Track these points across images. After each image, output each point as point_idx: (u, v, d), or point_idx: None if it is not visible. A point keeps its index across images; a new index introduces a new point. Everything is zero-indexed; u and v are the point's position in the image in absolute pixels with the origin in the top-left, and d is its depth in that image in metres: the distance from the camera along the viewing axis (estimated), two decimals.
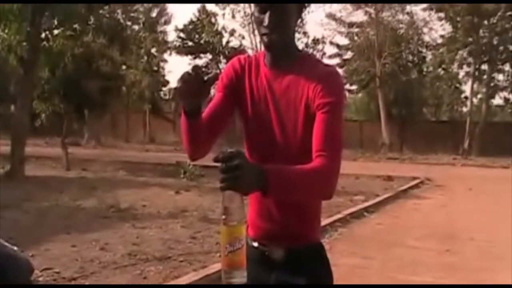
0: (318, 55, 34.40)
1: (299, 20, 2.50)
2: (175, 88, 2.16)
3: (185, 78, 2.13)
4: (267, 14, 2.27)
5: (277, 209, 2.42)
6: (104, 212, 10.53)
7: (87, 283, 6.18)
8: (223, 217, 1.94)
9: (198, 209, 11.21)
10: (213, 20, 42.88)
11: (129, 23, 40.61)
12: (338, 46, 43.92)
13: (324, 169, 2.20)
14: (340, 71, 42.20)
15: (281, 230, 2.44)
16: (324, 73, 2.35)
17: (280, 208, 2.42)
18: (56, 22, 17.66)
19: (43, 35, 17.03)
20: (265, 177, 2.00)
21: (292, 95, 2.36)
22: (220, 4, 40.64)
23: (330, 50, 44.35)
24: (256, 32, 41.30)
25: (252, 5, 2.43)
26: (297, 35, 32.33)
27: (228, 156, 1.92)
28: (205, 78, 2.16)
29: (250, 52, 41.03)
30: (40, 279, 6.25)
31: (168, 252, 7.68)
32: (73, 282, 6.19)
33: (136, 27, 42.82)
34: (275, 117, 2.40)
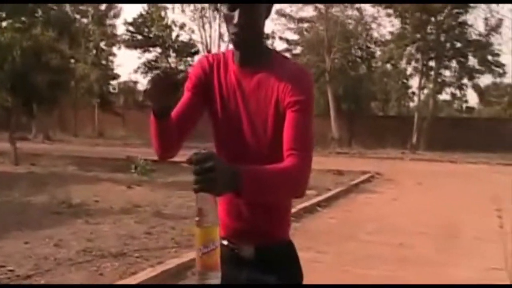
0: None
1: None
2: (145, 90, 2.13)
3: (155, 80, 2.11)
4: (237, 12, 2.25)
5: (247, 207, 2.42)
6: (56, 208, 10.37)
7: (42, 281, 6.09)
8: (197, 218, 1.92)
9: (151, 205, 11.13)
10: (162, 13, 42.65)
11: (77, 16, 40.06)
12: (287, 41, 44.02)
13: (296, 168, 2.20)
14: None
15: (251, 228, 2.44)
16: (293, 72, 2.35)
17: (249, 206, 2.41)
18: (4, 15, 17.34)
19: None
20: (238, 178, 1.99)
21: (262, 94, 2.36)
22: None
23: (280, 45, 44.32)
24: (206, 26, 41.49)
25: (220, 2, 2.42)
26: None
27: (201, 157, 1.90)
28: (175, 79, 2.14)
29: (199, 46, 40.97)
30: None
31: (124, 248, 7.62)
32: (28, 280, 6.10)
33: (85, 20, 42.26)
34: (244, 116, 2.40)
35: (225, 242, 2.45)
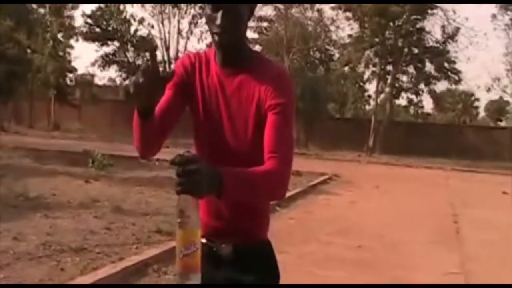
0: None
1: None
2: (134, 83, 2.04)
3: (145, 72, 2.04)
4: (219, 13, 2.25)
5: (226, 206, 2.43)
6: (13, 201, 10.16)
7: (2, 275, 5.96)
8: (178, 220, 1.93)
9: (110, 200, 10.99)
10: (121, 7, 42.30)
11: (35, 6, 39.44)
12: (246, 39, 44.00)
13: (276, 171, 2.21)
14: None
15: (229, 227, 2.46)
16: (275, 74, 2.36)
17: (228, 206, 2.42)
18: None
19: None
20: (221, 181, 2.00)
21: (243, 95, 2.37)
22: None
23: None
24: (165, 22, 41.27)
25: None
26: (206, 27, 32.37)
27: (185, 159, 1.91)
28: (163, 74, 2.10)
29: (158, 41, 40.73)
30: None
31: (84, 243, 7.51)
32: None
33: (42, 10, 41.60)
34: (226, 116, 2.40)
35: (203, 240, 2.43)
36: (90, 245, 7.46)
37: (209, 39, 34.36)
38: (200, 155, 2.39)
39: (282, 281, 6.48)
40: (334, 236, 9.97)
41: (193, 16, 41.34)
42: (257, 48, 44.14)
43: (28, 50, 31.95)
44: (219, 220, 2.46)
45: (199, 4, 34.52)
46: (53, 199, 10.88)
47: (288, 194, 10.04)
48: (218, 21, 2.25)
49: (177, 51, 41.95)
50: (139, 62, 42.81)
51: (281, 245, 8.81)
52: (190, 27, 42.12)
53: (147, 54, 2.13)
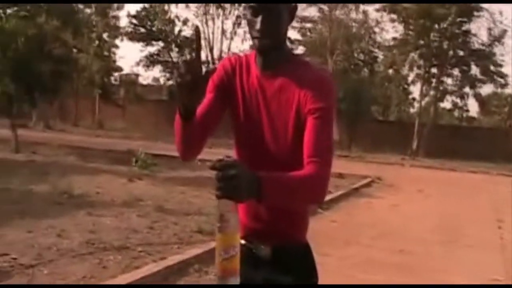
0: None
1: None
2: (177, 80, 2.09)
3: (189, 65, 2.08)
4: (259, 18, 2.27)
5: (265, 209, 2.43)
6: (58, 198, 10.31)
7: (46, 271, 6.04)
8: (218, 224, 1.96)
9: (153, 199, 11.06)
10: (166, 8, 42.57)
11: (81, 6, 39.98)
12: (290, 39, 43.90)
13: (316, 176, 2.22)
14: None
15: (269, 229, 2.47)
16: (316, 78, 2.35)
17: (267, 208, 2.42)
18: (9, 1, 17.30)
19: None
20: (260, 186, 2.01)
21: (283, 98, 2.37)
22: None
23: None
24: (209, 22, 41.44)
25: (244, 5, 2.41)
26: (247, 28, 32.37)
27: (225, 164, 1.93)
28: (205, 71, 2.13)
29: (202, 42, 40.84)
30: None
31: (126, 242, 7.58)
32: (31, 269, 6.04)
33: (88, 11, 42.14)
34: (265, 119, 2.41)
35: (242, 242, 2.44)
36: (133, 243, 7.52)
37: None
38: (240, 158, 2.44)
39: (322, 283, 6.43)
40: (376, 240, 9.90)
41: (237, 17, 41.38)
42: (301, 49, 44.15)
43: (74, 50, 32.32)
44: (258, 222, 2.47)
45: (243, 5, 34.52)
46: (96, 197, 11.00)
47: (330, 196, 10.11)
48: (258, 26, 2.28)
49: (221, 51, 42.10)
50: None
51: (322, 247, 8.81)
52: (234, 27, 42.22)
53: (193, 38, 2.14)
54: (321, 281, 6.54)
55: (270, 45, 2.32)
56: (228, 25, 44.85)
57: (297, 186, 2.17)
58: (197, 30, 2.18)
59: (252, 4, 2.30)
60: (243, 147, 2.50)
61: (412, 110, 49.45)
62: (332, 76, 2.49)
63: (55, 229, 7.84)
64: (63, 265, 6.32)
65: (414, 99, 45.93)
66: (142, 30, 43.70)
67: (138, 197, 11.10)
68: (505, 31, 37.07)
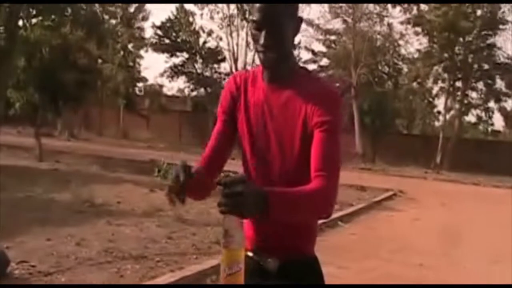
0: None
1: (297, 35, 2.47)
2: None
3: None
4: (263, 33, 2.26)
5: (272, 222, 2.33)
6: (79, 207, 10.42)
7: (63, 279, 6.10)
8: (223, 240, 1.97)
9: (173, 209, 11.07)
10: (191, 19, 42.77)
11: (106, 17, 40.33)
12: (313, 52, 43.92)
13: (323, 190, 2.21)
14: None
15: (276, 243, 2.45)
16: (323, 91, 2.35)
17: (274, 222, 2.32)
18: (34, 12, 17.50)
19: (20, 23, 16.84)
20: (267, 203, 1.99)
21: (290, 111, 2.36)
22: (199, 4, 40.60)
23: (306, 55, 44.36)
24: (233, 34, 41.58)
25: (247, 17, 2.41)
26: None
27: (231, 181, 1.93)
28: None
29: (226, 54, 41.01)
30: (16, 272, 6.17)
31: (144, 251, 7.63)
32: (49, 277, 6.11)
33: (113, 21, 42.50)
34: (272, 132, 2.40)
35: (250, 254, 2.46)
36: (151, 253, 7.57)
37: None
38: (247, 172, 2.44)
39: None
40: (396, 253, 9.84)
41: None
42: (325, 61, 44.16)
43: (99, 60, 32.64)
44: (265, 235, 2.46)
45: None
46: (117, 207, 11.09)
47: (351, 209, 10.09)
48: (262, 41, 2.27)
49: (245, 63, 42.18)
50: (207, 73, 43.16)
51: (341, 260, 8.81)
52: None
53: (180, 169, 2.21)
54: None
55: (275, 59, 2.31)
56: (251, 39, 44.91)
57: (303, 202, 2.16)
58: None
59: (255, 18, 2.29)
60: (250, 161, 2.49)
61: (437, 124, 49.10)
62: (339, 90, 2.48)
63: (75, 238, 7.92)
64: (80, 273, 6.38)
65: (439, 112, 45.48)
66: (167, 41, 43.90)
67: (159, 207, 11.12)
68: None
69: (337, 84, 36.65)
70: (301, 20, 2.39)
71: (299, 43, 39.15)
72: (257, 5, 2.28)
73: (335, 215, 12.59)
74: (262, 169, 2.42)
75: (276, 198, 2.03)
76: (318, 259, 2.57)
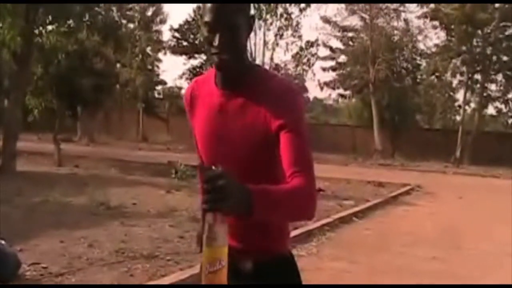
0: (311, 58, 34.42)
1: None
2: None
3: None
4: (217, 35, 2.18)
5: (242, 226, 2.29)
6: (94, 209, 10.55)
7: (74, 279, 6.21)
8: (205, 237, 1.90)
9: (188, 209, 11.20)
10: None
11: (124, 21, 40.60)
12: (331, 49, 43.82)
13: (304, 188, 2.16)
14: (333, 74, 41.79)
15: (248, 246, 2.42)
16: (279, 91, 2.27)
17: (245, 225, 2.27)
18: (50, 18, 17.67)
19: (37, 30, 17.03)
20: (250, 199, 1.95)
21: (248, 117, 2.29)
22: None
23: (323, 52, 44.21)
24: (251, 34, 41.63)
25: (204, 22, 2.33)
26: (291, 38, 32.42)
27: (213, 175, 1.86)
28: None
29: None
30: (28, 273, 6.29)
31: (156, 251, 7.72)
32: (60, 278, 6.22)
33: (131, 25, 42.80)
34: (231, 140, 2.33)
35: None
36: (162, 252, 7.66)
37: (294, 50, 34.39)
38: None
39: None
40: (409, 247, 9.84)
41: (279, 28, 41.51)
42: (342, 58, 44.05)
43: (118, 65, 32.90)
44: (237, 239, 2.37)
45: (285, 16, 34.50)
46: (132, 208, 11.20)
47: (367, 205, 10.12)
48: (216, 42, 2.18)
49: (263, 63, 42.18)
50: None
51: (353, 255, 8.87)
52: (275, 39, 42.32)
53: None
54: None
55: (230, 60, 2.23)
56: (270, 36, 45.00)
57: (286, 198, 2.11)
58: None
59: (207, 19, 2.20)
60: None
61: (458, 118, 48.82)
62: (296, 86, 2.43)
63: (88, 239, 8.04)
64: (91, 273, 6.49)
65: (460, 106, 45.26)
66: (185, 43, 44.11)
67: (173, 207, 11.25)
68: None
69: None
70: (253, 19, 2.34)
71: (316, 40, 39.05)
72: (209, 5, 2.20)
73: (349, 210, 12.69)
74: None
75: (259, 194, 1.99)
76: (293, 255, 2.54)
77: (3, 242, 6.29)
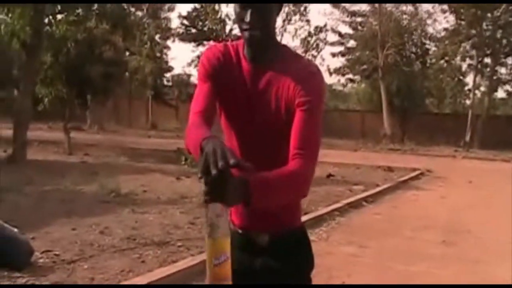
0: (320, 44, 34.32)
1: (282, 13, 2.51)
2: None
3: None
4: (249, 11, 2.29)
5: (252, 209, 2.34)
6: (105, 197, 10.62)
7: (86, 266, 6.28)
8: (208, 230, 1.95)
9: (198, 195, 11.20)
10: (216, 7, 42.83)
11: (132, 9, 40.52)
12: (340, 34, 43.65)
13: (301, 172, 2.25)
14: (342, 60, 41.64)
15: (264, 218, 2.47)
16: (305, 71, 2.38)
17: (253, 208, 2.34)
18: (59, 7, 17.71)
19: (46, 20, 17.07)
20: (249, 189, 2.03)
21: (273, 91, 2.39)
22: None
23: (332, 37, 44.05)
24: None
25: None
26: (300, 23, 32.33)
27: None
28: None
29: None
30: (40, 261, 6.36)
31: (167, 237, 7.79)
32: (72, 265, 6.29)
33: (139, 13, 42.73)
34: (256, 113, 2.42)
35: (240, 231, 2.54)
36: (173, 239, 7.73)
37: (303, 35, 34.28)
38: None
39: (357, 275, 6.55)
40: (419, 231, 9.86)
41: (287, 14, 41.42)
42: (352, 43, 43.91)
43: (126, 53, 32.91)
44: (253, 212, 2.44)
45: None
46: (143, 195, 11.27)
47: (376, 189, 10.18)
48: (248, 19, 2.29)
49: None
50: None
51: (363, 239, 8.90)
52: (283, 24, 42.25)
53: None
54: (353, 272, 6.63)
55: (260, 37, 2.33)
56: (278, 22, 44.95)
57: (283, 184, 2.20)
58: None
59: None
60: (232, 140, 2.52)
61: (467, 102, 48.65)
62: (320, 71, 2.51)
63: (99, 227, 8.12)
64: (103, 260, 6.55)
65: (469, 90, 45.08)
66: (193, 30, 44.01)
67: (183, 194, 11.32)
68: None
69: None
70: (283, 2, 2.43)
71: (325, 25, 38.93)
72: None
73: (359, 195, 12.73)
74: (244, 148, 2.46)
75: (257, 184, 2.07)
76: (305, 228, 2.66)
77: (15, 230, 6.35)
